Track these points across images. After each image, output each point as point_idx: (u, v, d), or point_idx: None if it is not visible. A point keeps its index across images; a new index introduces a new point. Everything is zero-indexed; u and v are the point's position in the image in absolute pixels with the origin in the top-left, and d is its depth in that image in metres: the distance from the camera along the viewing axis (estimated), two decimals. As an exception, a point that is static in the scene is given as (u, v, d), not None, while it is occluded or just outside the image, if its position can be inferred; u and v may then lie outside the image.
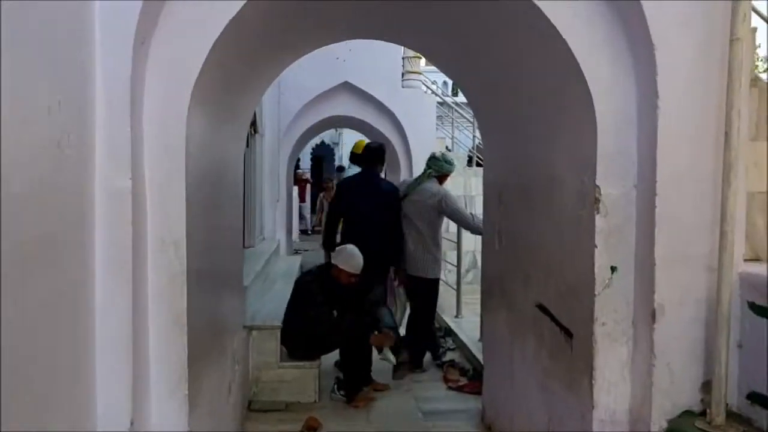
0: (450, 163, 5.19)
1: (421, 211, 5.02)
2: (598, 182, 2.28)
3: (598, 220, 2.29)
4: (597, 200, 2.29)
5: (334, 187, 6.87)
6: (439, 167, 5.15)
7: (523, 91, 2.93)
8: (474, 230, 4.98)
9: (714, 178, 2.13)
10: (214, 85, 2.51)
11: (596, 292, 2.31)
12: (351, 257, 4.36)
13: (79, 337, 1.83)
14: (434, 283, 5.10)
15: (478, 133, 8.04)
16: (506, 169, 3.43)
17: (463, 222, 5.15)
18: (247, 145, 6.80)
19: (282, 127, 8.03)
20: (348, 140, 20.74)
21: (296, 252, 13.53)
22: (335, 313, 4.47)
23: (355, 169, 6.53)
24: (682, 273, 2.15)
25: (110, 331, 1.97)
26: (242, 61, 2.82)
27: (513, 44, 2.72)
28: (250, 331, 4.17)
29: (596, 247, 2.30)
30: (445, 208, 4.97)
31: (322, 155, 20.80)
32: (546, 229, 2.76)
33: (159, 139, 2.15)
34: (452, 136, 9.64)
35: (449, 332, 6.06)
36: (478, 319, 6.36)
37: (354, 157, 6.42)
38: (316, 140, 19.42)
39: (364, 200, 4.99)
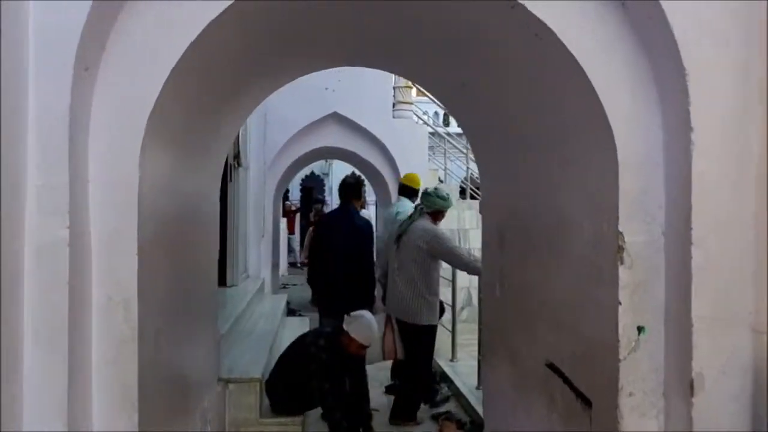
0: (444, 198, 4.83)
1: (411, 253, 4.67)
2: (620, 228, 1.97)
3: (622, 272, 1.97)
4: (620, 249, 1.97)
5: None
6: (431, 203, 4.81)
7: (528, 120, 2.64)
8: (472, 271, 4.63)
9: (758, 225, 1.82)
10: (176, 117, 2.19)
11: (621, 357, 1.97)
12: (366, 327, 3.95)
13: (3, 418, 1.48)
14: (428, 329, 4.73)
15: (472, 164, 7.83)
16: (508, 208, 3.12)
17: (458, 264, 4.79)
18: (230, 179, 6.50)
19: (268, 159, 7.74)
20: (338, 171, 20.52)
21: (284, 287, 13.13)
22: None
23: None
24: (724, 336, 1.82)
25: (41, 410, 1.62)
26: (210, 91, 2.51)
27: (518, 70, 2.43)
28: (227, 384, 3.79)
29: (620, 303, 1.97)
30: (436, 250, 4.63)
31: (312, 186, 20.51)
32: (557, 278, 2.43)
33: (107, 180, 1.83)
34: (444, 167, 9.37)
35: (444, 378, 5.68)
36: (475, 363, 6.00)
37: (402, 189, 5.89)
38: (306, 171, 19.18)
39: (337, 235, 5.08)
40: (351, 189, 5.36)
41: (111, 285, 1.83)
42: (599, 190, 2.08)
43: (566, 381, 2.38)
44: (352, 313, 3.99)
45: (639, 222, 1.97)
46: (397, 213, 5.41)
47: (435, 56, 2.79)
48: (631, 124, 1.98)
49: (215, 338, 3.56)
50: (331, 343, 3.88)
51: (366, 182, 19.61)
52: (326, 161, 19.78)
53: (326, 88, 7.73)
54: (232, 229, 6.47)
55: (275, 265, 9.19)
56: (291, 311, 8.77)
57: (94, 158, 1.81)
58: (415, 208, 4.92)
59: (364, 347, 3.90)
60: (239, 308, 5.13)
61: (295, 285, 14.19)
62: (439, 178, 8.66)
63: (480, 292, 4.54)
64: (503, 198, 3.21)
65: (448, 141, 9.47)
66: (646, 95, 1.99)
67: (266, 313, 6.16)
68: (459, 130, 15.31)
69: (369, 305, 4.88)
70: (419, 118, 8.92)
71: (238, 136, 6.43)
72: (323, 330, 4.01)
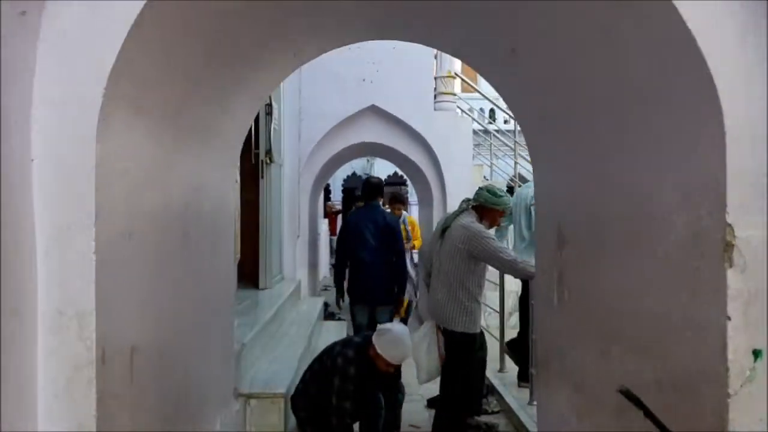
0: (495, 194, 4.23)
1: (449, 252, 4.16)
2: (729, 219, 1.47)
3: (732, 276, 1.47)
4: (729, 246, 1.47)
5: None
6: (477, 196, 4.28)
7: (597, 87, 2.13)
8: (520, 274, 4.10)
9: None
10: (159, 85, 1.79)
11: (731, 390, 1.47)
12: (395, 345, 3.47)
13: None
14: (465, 338, 4.20)
15: (520, 160, 7.32)
16: (569, 199, 2.61)
17: (503, 268, 4.18)
18: (262, 176, 6.15)
19: (303, 156, 7.37)
20: (379, 170, 20.17)
21: (325, 289, 12.78)
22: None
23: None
24: None
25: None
26: (212, 58, 2.10)
27: (585, 24, 1.93)
28: (248, 401, 3.40)
29: (729, 319, 1.47)
30: (475, 252, 4.08)
31: (354, 186, 20.17)
32: (637, 285, 1.92)
33: (56, 159, 1.43)
34: (491, 163, 8.80)
35: (491, 390, 5.17)
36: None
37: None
38: (347, 171, 18.91)
39: (367, 228, 5.35)
40: (377, 188, 5.68)
41: (61, 295, 1.43)
42: (698, 170, 1.58)
43: (648, 415, 1.87)
44: (384, 325, 3.52)
45: (755, 212, 1.47)
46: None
47: (481, 19, 2.32)
48: (742, 84, 1.48)
49: (231, 349, 3.17)
50: (361, 355, 3.45)
51: (408, 182, 19.21)
52: (368, 161, 19.45)
53: (363, 80, 7.32)
54: (264, 229, 6.11)
55: (313, 266, 8.81)
56: (330, 315, 8.40)
57: (41, 129, 1.42)
58: (462, 202, 4.42)
59: (391, 365, 3.42)
60: (269, 313, 4.75)
61: (339, 308, 13.86)
62: (484, 176, 8.13)
63: (532, 298, 4.03)
64: (563, 187, 2.70)
65: (495, 136, 8.91)
66: (758, 43, 1.49)
67: (300, 317, 5.78)
68: (507, 127, 14.67)
69: (401, 290, 5.40)
70: (463, 111, 8.39)
71: (271, 131, 6.09)
72: (353, 339, 3.56)
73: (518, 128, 8.59)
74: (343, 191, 20.07)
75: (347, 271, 5.50)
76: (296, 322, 5.53)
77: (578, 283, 2.53)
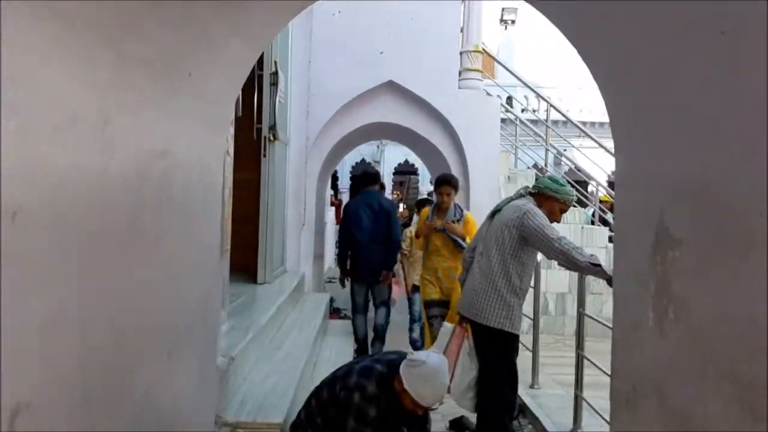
0: (557, 182, 3.63)
1: (495, 233, 3.54)
2: None
3: None
4: None
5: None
6: (537, 183, 3.69)
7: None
8: (581, 267, 3.32)
9: None
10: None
11: None
12: (428, 382, 2.66)
13: None
14: (500, 336, 3.48)
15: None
16: (675, 184, 1.87)
17: (557, 255, 3.36)
18: (264, 154, 5.42)
19: (311, 135, 6.62)
20: (389, 157, 19.44)
21: (330, 281, 12.08)
22: None
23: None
24: None
25: None
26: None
27: None
28: (234, 431, 2.68)
29: None
30: (525, 231, 3.39)
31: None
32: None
33: None
34: (515, 154, 7.98)
35: (522, 410, 4.45)
36: (563, 392, 4.80)
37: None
38: (356, 157, 18.19)
39: (365, 211, 5.75)
40: (373, 176, 6.07)
41: None
42: None
43: None
44: (414, 355, 2.75)
45: None
46: None
47: None
48: None
49: (213, 368, 2.45)
50: (384, 390, 2.69)
51: (419, 171, 18.49)
52: (378, 147, 18.73)
53: (381, 53, 6.56)
54: (265, 215, 5.39)
55: (318, 257, 8.10)
56: (335, 311, 7.70)
57: None
58: (520, 189, 3.76)
59: (420, 406, 2.67)
60: (266, 314, 4.04)
61: (342, 286, 13.09)
62: (510, 168, 7.37)
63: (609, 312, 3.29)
64: (663, 167, 1.96)
65: (524, 124, 8.12)
66: None
67: (302, 317, 5.06)
68: (526, 116, 13.88)
69: (388, 267, 5.72)
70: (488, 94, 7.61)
71: (276, 104, 5.35)
72: (375, 367, 2.76)
73: (551, 117, 7.84)
74: (351, 178, 19.33)
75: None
76: (298, 323, 4.82)
77: (691, 297, 1.80)
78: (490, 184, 6.69)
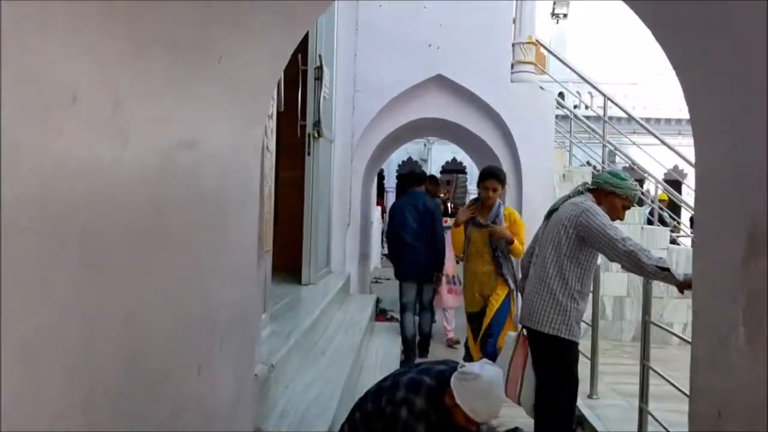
0: (618, 176, 3.31)
1: (552, 232, 3.29)
2: None
3: None
4: None
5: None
6: (596, 178, 3.41)
7: None
8: (649, 272, 3.02)
9: None
10: None
11: None
12: (482, 397, 2.42)
13: None
14: (556, 343, 3.21)
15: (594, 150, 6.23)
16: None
17: (619, 256, 3.04)
18: (308, 152, 5.27)
19: (356, 132, 6.43)
20: (436, 156, 19.16)
21: (376, 281, 11.90)
22: None
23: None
24: None
25: None
26: None
27: None
28: (274, 445, 2.51)
29: None
30: (583, 230, 3.11)
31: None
32: None
33: None
34: (570, 151, 7.60)
35: (580, 422, 4.16)
36: (623, 402, 4.48)
37: None
38: (402, 156, 17.98)
39: (411, 212, 5.88)
40: (418, 177, 6.26)
41: None
42: None
43: None
44: (471, 366, 2.51)
45: None
46: None
47: None
48: None
49: (250, 379, 2.28)
50: (434, 405, 2.47)
51: (467, 170, 18.12)
52: (424, 145, 18.48)
53: (429, 45, 6.32)
54: (310, 214, 5.23)
55: (364, 257, 7.92)
56: (381, 312, 7.50)
57: None
58: (578, 186, 3.49)
59: (473, 422, 2.42)
60: (310, 317, 3.86)
61: (389, 279, 12.91)
62: (564, 166, 7.01)
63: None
64: (758, 158, 1.67)
65: (579, 120, 7.73)
66: None
67: (347, 320, 4.88)
68: (585, 112, 13.34)
69: (437, 267, 5.84)
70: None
71: (320, 100, 5.19)
72: (424, 380, 2.53)
73: (607, 114, 7.43)
74: (397, 177, 19.13)
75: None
76: (343, 326, 4.63)
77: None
78: (543, 182, 6.37)
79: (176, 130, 1.42)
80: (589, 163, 8.34)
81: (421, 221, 5.79)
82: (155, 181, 1.31)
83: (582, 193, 3.37)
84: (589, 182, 3.47)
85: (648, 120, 16.42)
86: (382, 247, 14.82)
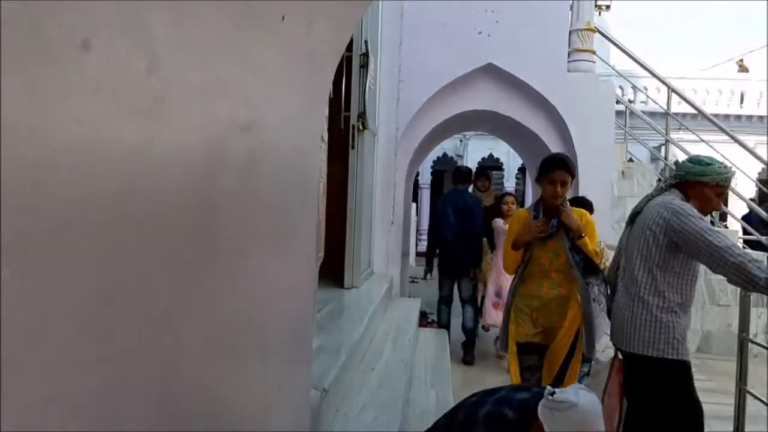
0: (701, 161, 2.84)
1: (639, 242, 2.84)
2: None
3: None
4: None
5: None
6: (678, 169, 2.94)
7: None
8: (756, 284, 2.57)
9: None
10: None
11: None
12: (579, 426, 2.03)
13: None
14: (660, 365, 2.75)
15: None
16: None
17: (719, 265, 2.58)
18: (352, 146, 4.89)
19: (401, 125, 6.04)
20: (473, 151, 18.62)
21: (412, 281, 11.51)
22: None
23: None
24: None
25: None
26: None
27: None
28: (328, 485, 2.14)
29: None
30: (675, 235, 2.67)
31: (444, 170, 18.70)
32: None
33: None
34: (626, 148, 7.07)
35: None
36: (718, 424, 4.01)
37: None
38: (438, 152, 17.50)
39: (453, 210, 6.03)
40: (465, 174, 6.38)
41: None
42: None
43: None
44: (558, 395, 2.10)
45: None
46: None
47: None
48: None
49: (306, 407, 1.91)
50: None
51: (510, 163, 17.56)
52: (461, 141, 17.97)
53: (479, 32, 5.89)
54: (353, 213, 4.86)
55: (405, 256, 7.57)
56: (422, 315, 7.11)
57: None
58: (658, 182, 3.03)
59: None
60: (358, 328, 3.49)
61: (425, 279, 12.50)
62: (623, 162, 6.51)
63: None
64: None
65: (636, 116, 7.20)
66: None
67: (395, 330, 4.49)
68: (650, 108, 12.59)
69: (476, 264, 6.05)
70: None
71: (366, 89, 4.81)
72: (504, 415, 2.09)
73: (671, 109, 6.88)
74: (432, 174, 18.67)
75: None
76: (391, 336, 4.25)
77: None
78: (602, 181, 5.91)
79: (228, 106, 1.05)
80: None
81: (461, 219, 5.95)
82: (202, 173, 0.94)
83: (665, 190, 2.92)
84: (671, 176, 3.03)
85: (694, 116, 15.68)
86: (416, 245, 14.42)
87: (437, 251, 6.26)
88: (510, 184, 17.83)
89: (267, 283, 1.31)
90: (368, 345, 3.79)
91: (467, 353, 6.00)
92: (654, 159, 6.67)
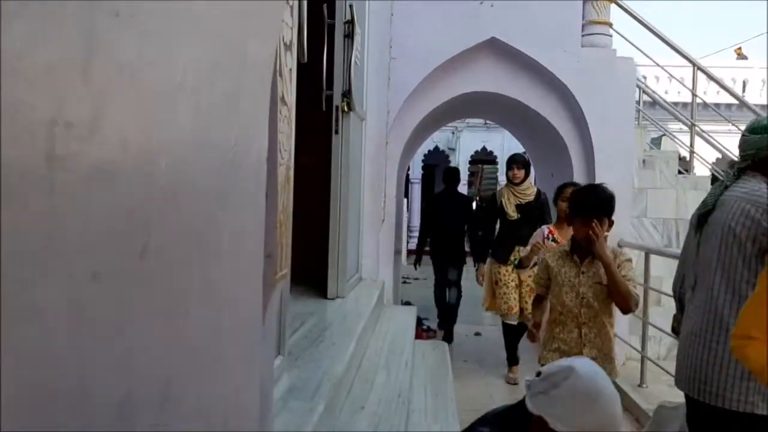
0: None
1: (719, 250, 2.09)
2: None
3: None
4: None
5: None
6: (749, 145, 2.16)
7: None
8: None
9: None
10: None
11: None
12: (586, 403, 1.50)
13: None
14: (746, 420, 2.05)
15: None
16: None
17: None
18: (335, 131, 4.14)
19: (393, 109, 5.30)
20: (465, 145, 17.90)
21: (404, 281, 10.79)
22: None
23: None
24: None
25: None
26: None
27: None
28: None
29: None
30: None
31: (436, 164, 17.95)
32: None
33: None
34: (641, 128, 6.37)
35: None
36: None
37: None
38: (429, 145, 16.76)
39: (446, 207, 6.75)
40: (454, 174, 7.03)
41: None
42: None
43: None
44: (546, 368, 1.64)
45: None
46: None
47: None
48: None
49: None
50: None
51: (503, 156, 16.92)
52: (453, 133, 17.24)
53: (481, 2, 5.16)
54: (337, 211, 4.13)
55: (397, 254, 6.89)
56: (417, 323, 6.39)
57: None
58: (730, 166, 2.28)
59: None
60: (344, 355, 2.76)
61: (417, 279, 11.76)
62: (650, 145, 5.80)
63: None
64: None
65: (661, 105, 6.50)
66: None
67: (388, 349, 3.75)
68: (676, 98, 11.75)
69: (463, 256, 6.95)
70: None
71: (351, 64, 4.07)
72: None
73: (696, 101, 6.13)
74: (423, 168, 17.93)
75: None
76: (383, 358, 3.50)
77: None
78: (621, 170, 5.19)
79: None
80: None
81: (454, 214, 6.64)
82: None
83: (739, 177, 2.19)
84: (740, 157, 2.28)
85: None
86: (408, 243, 13.68)
87: (430, 243, 6.98)
88: (504, 179, 17.14)
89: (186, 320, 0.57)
90: (355, 374, 3.05)
91: (448, 324, 6.93)
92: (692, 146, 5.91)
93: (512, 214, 5.21)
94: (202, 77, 0.76)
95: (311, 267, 4.14)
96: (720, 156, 7.91)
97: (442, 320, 7.05)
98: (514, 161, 5.35)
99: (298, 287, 3.83)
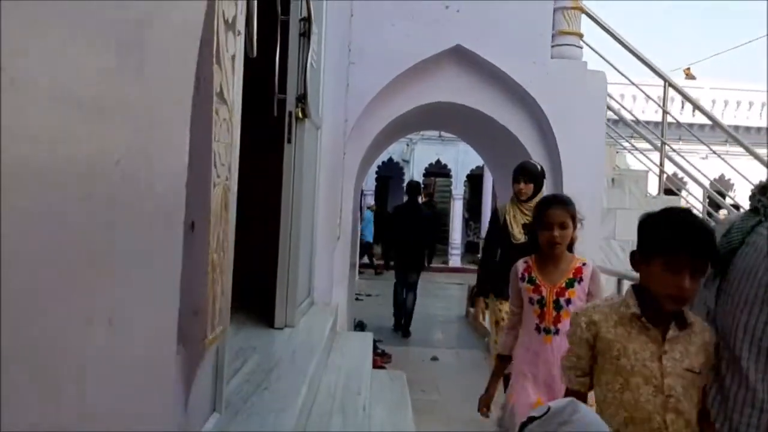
0: None
1: (749, 304, 1.64)
2: None
3: None
4: None
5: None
6: None
7: None
8: None
9: None
10: None
11: None
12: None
13: None
14: None
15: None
16: None
17: None
18: (288, 140, 3.71)
19: (350, 117, 4.91)
20: (420, 157, 17.65)
21: (357, 298, 10.38)
22: None
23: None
24: None
25: None
26: None
27: None
28: None
29: None
30: None
31: (389, 176, 17.63)
32: None
33: None
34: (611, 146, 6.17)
35: None
36: None
37: None
38: (383, 156, 16.44)
39: (410, 219, 7.88)
40: (416, 188, 8.23)
41: None
42: None
43: None
44: (552, 407, 1.43)
45: None
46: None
47: None
48: None
49: None
50: None
51: (458, 170, 16.71)
52: (407, 145, 16.97)
53: (447, 7, 4.84)
54: (288, 227, 3.69)
55: (352, 268, 6.46)
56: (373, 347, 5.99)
57: None
58: (752, 197, 1.90)
59: None
60: (296, 400, 2.33)
61: (369, 296, 11.37)
62: (614, 168, 5.56)
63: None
64: None
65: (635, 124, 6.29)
66: None
67: (343, 386, 3.32)
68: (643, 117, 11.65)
69: (422, 264, 8.16)
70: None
71: (307, 66, 3.65)
72: None
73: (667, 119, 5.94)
74: (377, 179, 17.58)
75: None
76: (337, 401, 3.06)
77: None
78: (590, 190, 4.92)
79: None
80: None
81: (416, 226, 7.77)
82: None
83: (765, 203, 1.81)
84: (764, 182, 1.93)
85: (669, 125, 15.24)
86: (362, 257, 13.28)
87: (394, 249, 8.09)
88: (458, 192, 16.96)
89: None
90: (305, 420, 2.62)
91: (405, 331, 8.06)
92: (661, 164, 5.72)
93: (518, 236, 4.24)
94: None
95: (255, 290, 3.69)
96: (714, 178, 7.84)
97: (397, 318, 8.11)
98: (522, 173, 4.17)
99: (238, 315, 3.38)
